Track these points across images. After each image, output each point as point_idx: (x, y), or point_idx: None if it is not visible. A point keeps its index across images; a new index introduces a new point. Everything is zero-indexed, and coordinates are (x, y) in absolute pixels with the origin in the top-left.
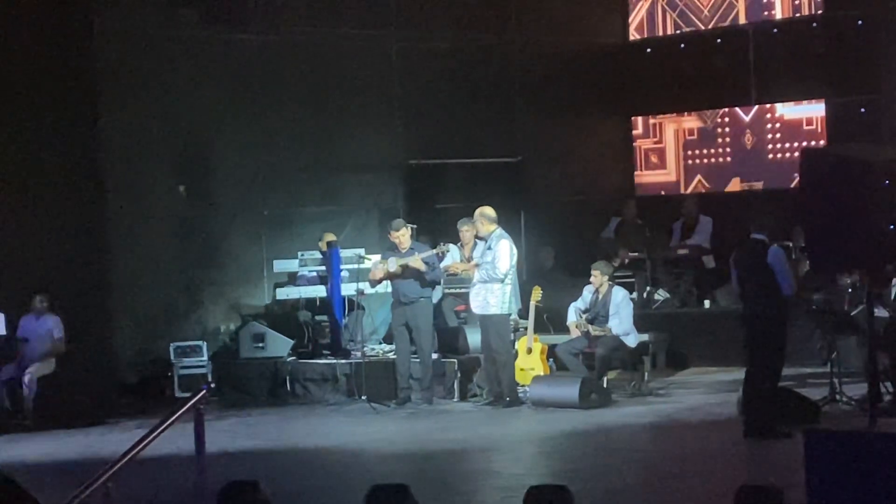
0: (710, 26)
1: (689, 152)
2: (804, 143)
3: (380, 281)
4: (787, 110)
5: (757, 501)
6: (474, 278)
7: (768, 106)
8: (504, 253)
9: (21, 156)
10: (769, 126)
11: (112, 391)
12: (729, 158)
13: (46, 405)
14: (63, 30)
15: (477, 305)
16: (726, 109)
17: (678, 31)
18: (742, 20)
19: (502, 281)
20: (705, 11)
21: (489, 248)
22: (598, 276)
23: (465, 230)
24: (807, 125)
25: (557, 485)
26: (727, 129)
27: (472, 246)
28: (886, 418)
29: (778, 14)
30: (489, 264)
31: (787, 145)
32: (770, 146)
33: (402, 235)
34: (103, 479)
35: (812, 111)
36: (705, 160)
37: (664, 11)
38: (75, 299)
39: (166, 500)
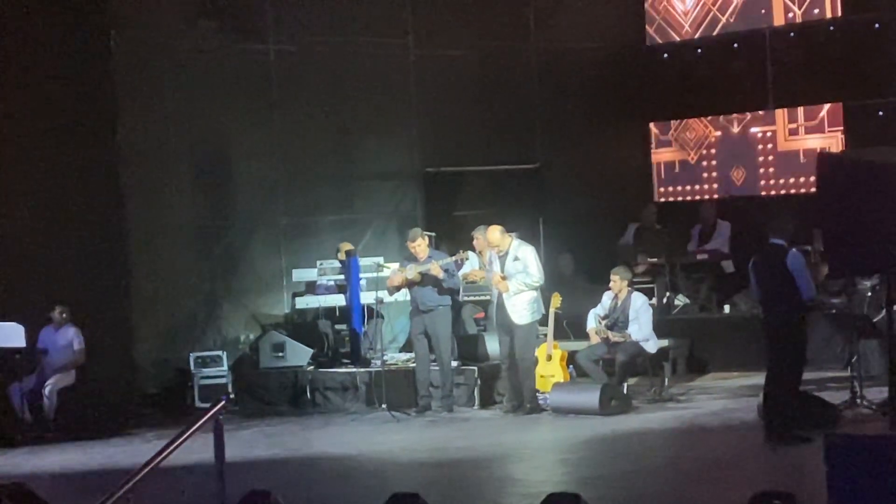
0: (697, 35)
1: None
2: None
3: (398, 288)
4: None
5: None
6: (509, 291)
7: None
8: (533, 258)
9: (40, 167)
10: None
11: (132, 402)
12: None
13: (67, 416)
14: (82, 42)
15: (515, 316)
16: (714, 140)
17: (696, 37)
18: (717, 31)
19: (538, 286)
20: (686, 27)
21: (516, 259)
22: (618, 282)
23: (479, 238)
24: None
25: (572, 493)
26: (713, 163)
27: (487, 253)
28: None
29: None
30: (522, 274)
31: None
32: (763, 182)
33: (419, 245)
34: (124, 490)
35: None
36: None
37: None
38: (95, 310)
39: None
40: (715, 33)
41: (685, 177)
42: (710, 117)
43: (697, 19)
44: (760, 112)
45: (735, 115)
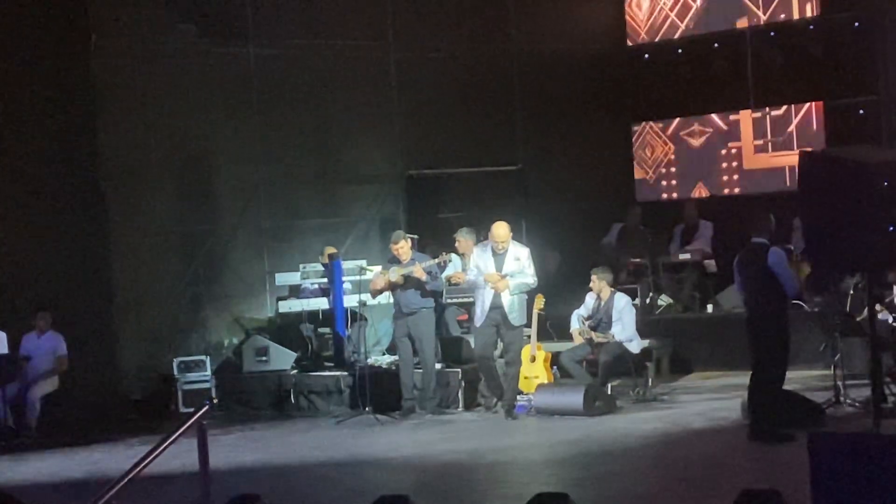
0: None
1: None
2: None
3: (381, 291)
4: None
5: None
6: (508, 290)
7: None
8: (530, 260)
9: (22, 173)
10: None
11: (116, 408)
12: None
13: (50, 423)
14: (62, 46)
15: (512, 316)
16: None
17: (676, 37)
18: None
19: (533, 288)
20: (642, 34)
21: (517, 259)
22: (597, 282)
23: (462, 241)
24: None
25: (560, 493)
26: (672, 182)
27: (471, 255)
28: (891, 420)
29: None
30: (521, 274)
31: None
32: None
33: (402, 247)
34: (108, 497)
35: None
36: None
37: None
38: (77, 316)
39: None
40: (677, 37)
41: (647, 190)
42: (670, 133)
43: (655, 25)
44: (725, 127)
45: (698, 128)
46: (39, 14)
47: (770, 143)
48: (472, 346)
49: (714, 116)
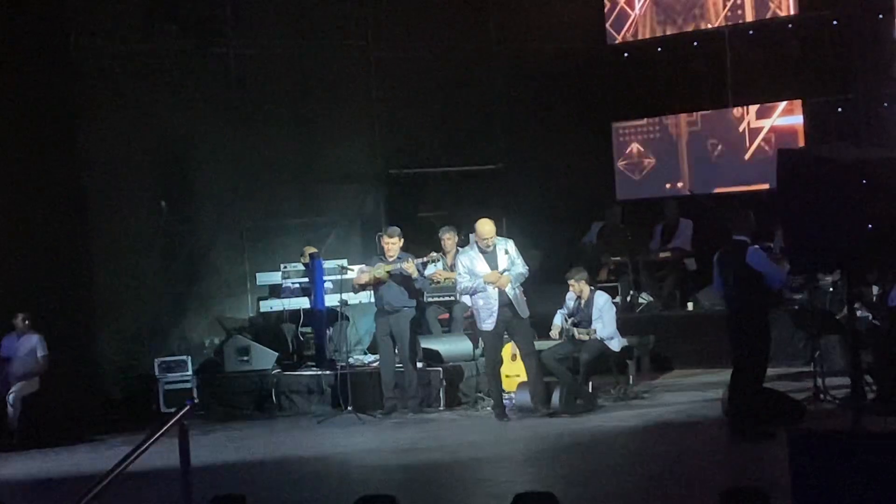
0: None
1: None
2: None
3: (364, 286)
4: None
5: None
6: (512, 284)
7: None
8: (514, 247)
9: (0, 174)
10: None
11: (97, 408)
12: None
13: (31, 424)
14: (41, 46)
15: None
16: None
17: (656, 35)
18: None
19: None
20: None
21: (507, 253)
22: (576, 284)
23: (448, 238)
24: None
25: (543, 492)
26: None
27: (454, 254)
28: (870, 417)
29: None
30: (515, 266)
31: None
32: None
33: (394, 244)
34: (90, 497)
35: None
36: None
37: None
38: (57, 317)
39: None
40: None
41: (628, 188)
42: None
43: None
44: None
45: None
46: (17, 14)
47: (750, 141)
48: (478, 349)
49: (695, 114)
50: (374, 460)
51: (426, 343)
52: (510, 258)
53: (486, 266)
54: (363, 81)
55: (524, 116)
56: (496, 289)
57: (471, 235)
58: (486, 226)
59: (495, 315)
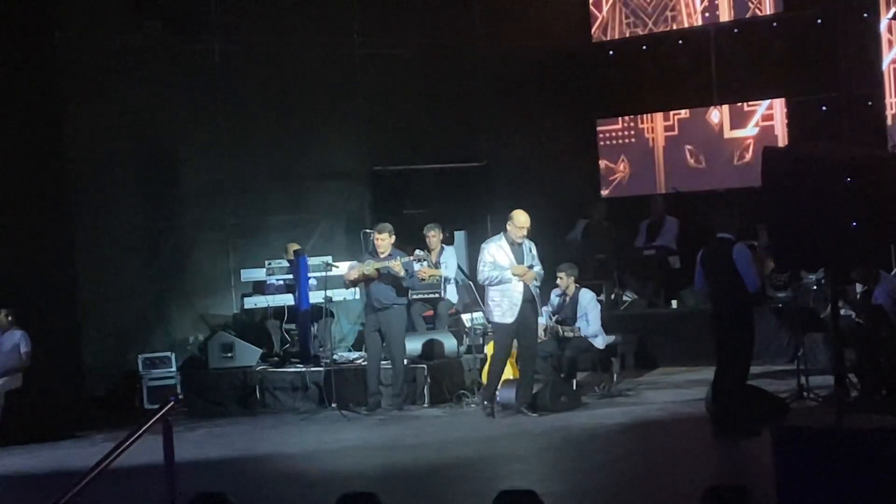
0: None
1: None
2: None
3: (354, 282)
4: None
5: (724, 502)
6: (534, 282)
7: None
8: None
9: None
10: None
11: (81, 404)
12: None
13: (14, 420)
14: (26, 43)
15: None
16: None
17: (640, 33)
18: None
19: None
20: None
21: (530, 250)
22: (565, 278)
23: (432, 235)
24: None
25: (525, 490)
26: None
27: (439, 251)
28: (854, 414)
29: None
30: (537, 266)
31: None
32: None
33: (384, 240)
34: (73, 493)
35: None
36: None
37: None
38: (41, 313)
39: None
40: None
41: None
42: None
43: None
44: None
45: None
46: (1, 9)
47: (735, 139)
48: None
49: (680, 112)
50: (357, 457)
51: (410, 340)
52: (533, 256)
53: (511, 258)
54: (348, 78)
55: (509, 113)
56: (521, 282)
57: (505, 226)
58: (523, 216)
59: (517, 308)
